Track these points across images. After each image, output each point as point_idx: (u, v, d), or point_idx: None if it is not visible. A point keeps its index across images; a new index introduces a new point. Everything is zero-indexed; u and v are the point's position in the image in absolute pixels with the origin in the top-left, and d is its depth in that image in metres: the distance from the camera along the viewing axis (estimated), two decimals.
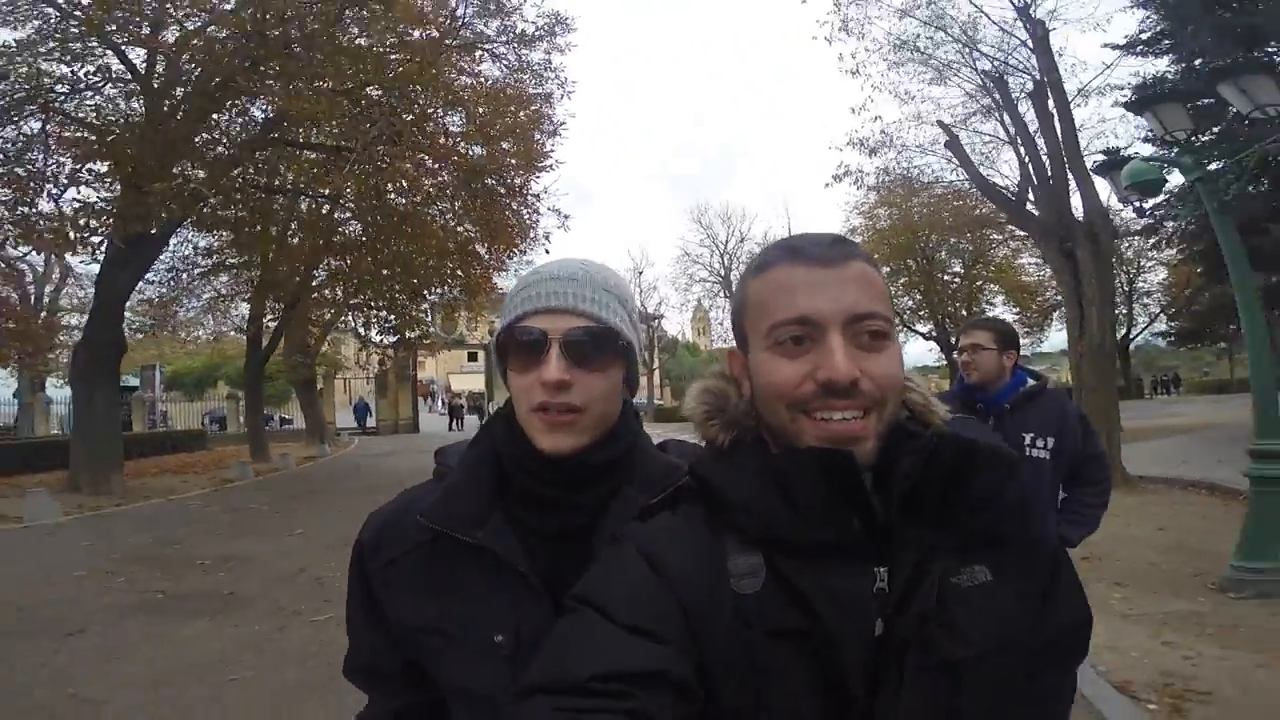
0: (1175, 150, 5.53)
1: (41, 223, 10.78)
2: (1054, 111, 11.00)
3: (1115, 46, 15.07)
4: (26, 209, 10.71)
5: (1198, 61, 13.56)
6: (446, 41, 12.25)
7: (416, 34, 11.80)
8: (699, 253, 38.72)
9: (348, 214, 15.26)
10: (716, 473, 0.73)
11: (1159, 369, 46.42)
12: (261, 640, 4.59)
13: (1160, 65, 15.77)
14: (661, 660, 0.61)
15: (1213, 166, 5.73)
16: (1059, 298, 18.77)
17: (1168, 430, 15.90)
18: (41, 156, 11.03)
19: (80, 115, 11.23)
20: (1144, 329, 34.65)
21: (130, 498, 11.17)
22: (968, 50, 12.94)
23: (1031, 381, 2.60)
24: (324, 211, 15.23)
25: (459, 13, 12.52)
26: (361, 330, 19.32)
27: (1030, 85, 11.65)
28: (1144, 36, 15.55)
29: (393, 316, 16.73)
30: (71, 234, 10.45)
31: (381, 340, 20.02)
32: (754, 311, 0.71)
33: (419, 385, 35.87)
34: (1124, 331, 33.10)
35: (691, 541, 0.70)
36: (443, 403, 40.59)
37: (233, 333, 23.57)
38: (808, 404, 0.66)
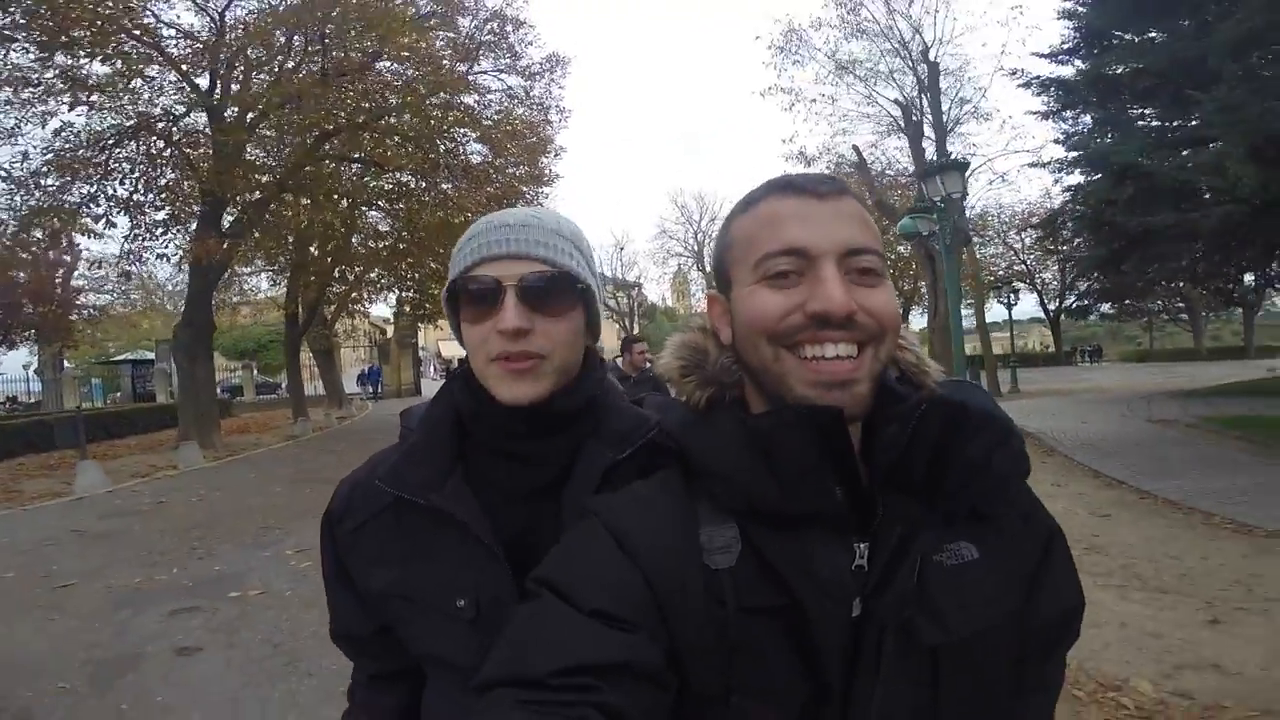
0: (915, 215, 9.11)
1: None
2: (931, 136, 14.36)
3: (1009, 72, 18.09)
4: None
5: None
6: (467, 76, 15.11)
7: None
8: (675, 230, 42.00)
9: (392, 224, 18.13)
10: (692, 437, 0.68)
11: (1087, 340, 51.34)
12: None
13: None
14: (628, 649, 0.58)
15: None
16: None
17: (1057, 393, 19.43)
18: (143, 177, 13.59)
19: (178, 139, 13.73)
20: (1064, 305, 38.67)
21: (233, 450, 13.95)
22: (868, 95, 16.64)
23: None
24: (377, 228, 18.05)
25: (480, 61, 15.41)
26: (383, 306, 22.11)
27: (919, 114, 15.16)
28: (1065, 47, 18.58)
29: (418, 296, 19.57)
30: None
31: (405, 311, 22.88)
32: (739, 247, 0.66)
33: None
34: (1055, 305, 37.31)
35: (663, 514, 0.65)
36: (434, 368, 43.20)
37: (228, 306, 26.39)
38: (795, 337, 0.61)
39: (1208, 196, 9.02)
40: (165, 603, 4.62)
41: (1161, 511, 5.75)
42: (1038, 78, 12.38)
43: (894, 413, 0.63)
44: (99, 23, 9.46)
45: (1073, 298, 22.61)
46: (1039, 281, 37.81)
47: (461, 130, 14.52)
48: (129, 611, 4.46)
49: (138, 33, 11.37)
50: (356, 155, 14.74)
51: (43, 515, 7.96)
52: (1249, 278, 16.58)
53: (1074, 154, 13.66)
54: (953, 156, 18.08)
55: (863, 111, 18.15)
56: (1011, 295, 24.59)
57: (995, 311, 38.05)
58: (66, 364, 29.03)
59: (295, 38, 13.15)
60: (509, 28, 15.69)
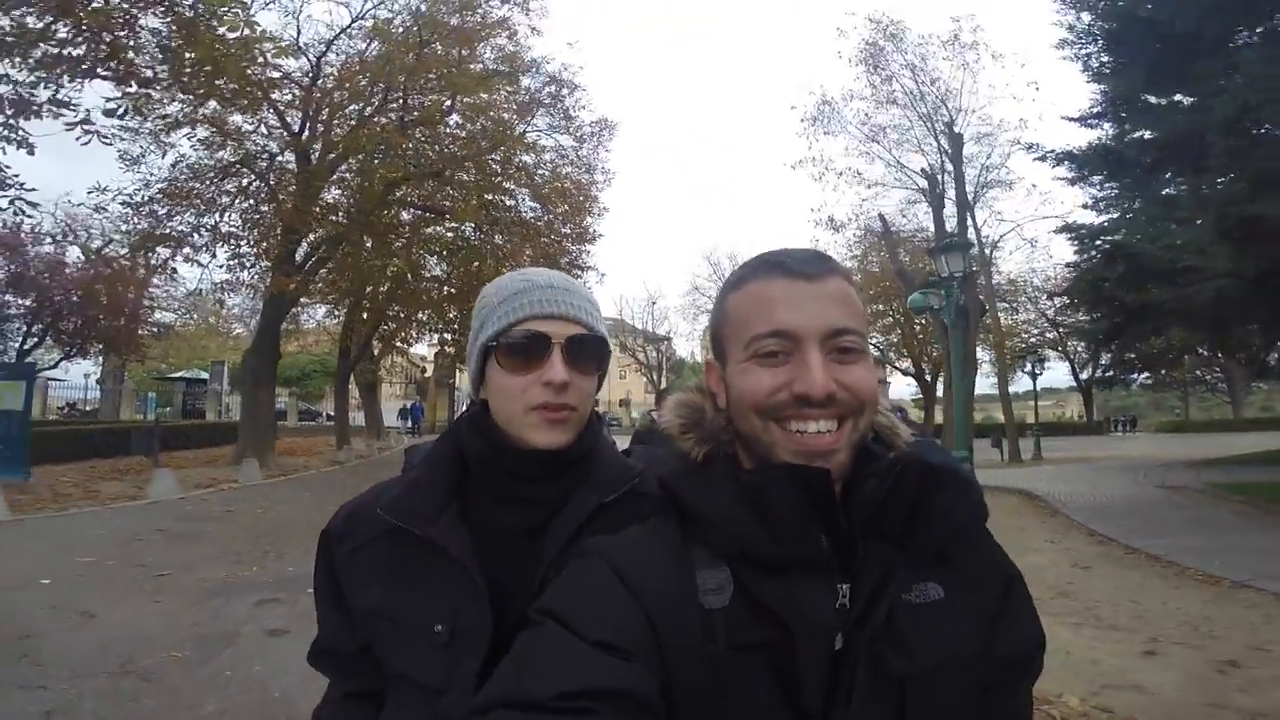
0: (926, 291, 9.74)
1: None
2: (953, 206, 15.08)
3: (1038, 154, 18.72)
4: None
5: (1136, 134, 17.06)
6: (524, 135, 16.54)
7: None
8: (706, 286, 43.01)
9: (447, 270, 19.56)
10: (688, 487, 0.72)
11: (1129, 409, 50.37)
12: None
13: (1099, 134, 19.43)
14: (628, 678, 0.60)
15: None
16: None
17: (1081, 460, 19.47)
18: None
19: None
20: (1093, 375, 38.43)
21: (284, 470, 14.94)
22: (896, 164, 17.54)
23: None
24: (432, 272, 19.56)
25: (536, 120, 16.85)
26: (423, 346, 23.36)
27: (940, 187, 15.97)
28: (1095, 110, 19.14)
29: (461, 339, 20.73)
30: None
31: (445, 353, 24.05)
32: (733, 324, 0.71)
33: None
34: (1087, 375, 36.73)
35: (661, 555, 0.69)
36: (467, 407, 44.35)
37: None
38: (781, 413, 0.66)
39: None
40: (251, 594, 5.36)
41: (1141, 565, 6.22)
42: (1052, 151, 13.06)
43: (871, 470, 0.68)
44: (244, 84, 10.82)
45: (1098, 368, 22.65)
46: (1071, 349, 37.12)
47: (516, 186, 15.74)
48: (221, 600, 5.21)
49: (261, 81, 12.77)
50: (421, 203, 16.06)
51: (125, 515, 8.89)
52: None
53: (1101, 219, 13.87)
54: (980, 224, 18.92)
55: (891, 178, 19.18)
56: (1037, 365, 24.67)
57: (1027, 381, 38.30)
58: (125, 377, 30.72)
59: (377, 86, 14.68)
60: (565, 90, 17.17)
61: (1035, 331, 36.62)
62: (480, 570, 0.81)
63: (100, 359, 27.82)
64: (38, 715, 3.23)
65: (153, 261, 15.52)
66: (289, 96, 14.37)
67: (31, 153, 8.39)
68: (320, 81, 14.85)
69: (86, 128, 8.51)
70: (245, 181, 15.11)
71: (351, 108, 15.08)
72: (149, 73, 8.76)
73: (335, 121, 15.29)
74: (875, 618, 0.66)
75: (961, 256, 8.72)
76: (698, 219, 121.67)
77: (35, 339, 15.11)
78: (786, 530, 0.65)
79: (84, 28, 7.53)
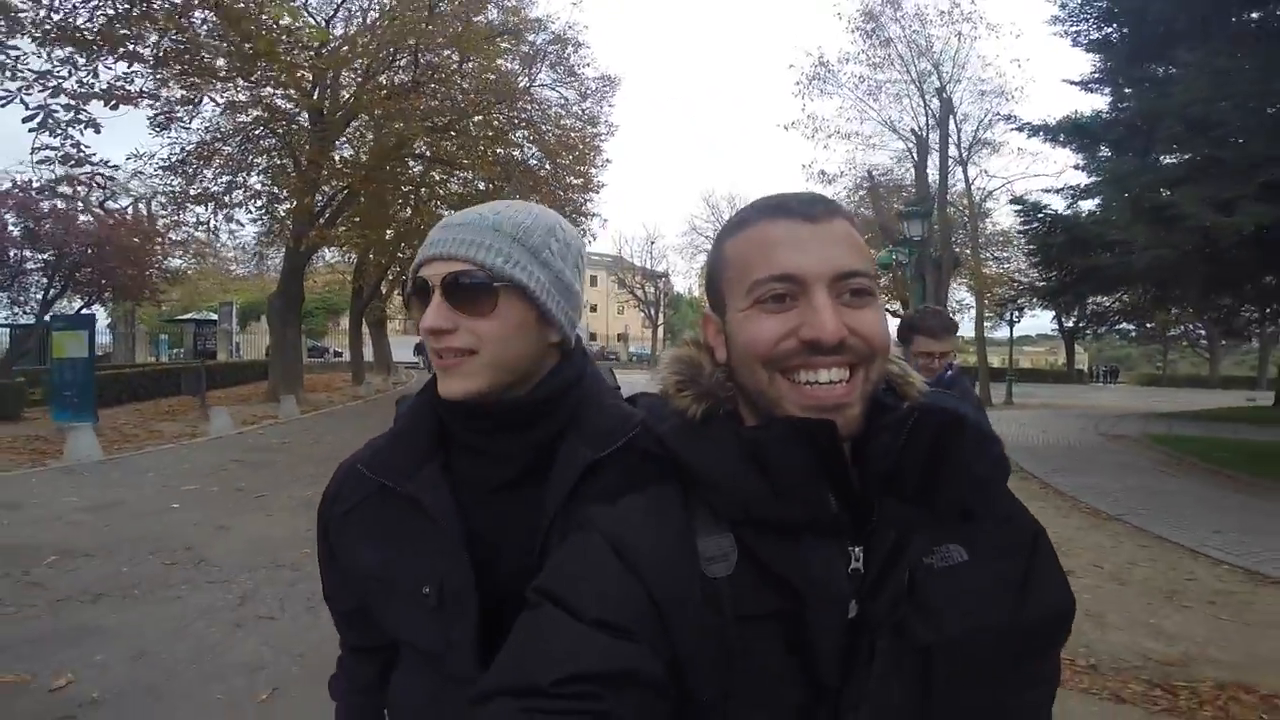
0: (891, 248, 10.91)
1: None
2: (929, 171, 16.20)
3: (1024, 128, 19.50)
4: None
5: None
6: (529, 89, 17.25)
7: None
8: (704, 227, 44.17)
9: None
10: (689, 448, 0.68)
11: (1114, 360, 52.31)
12: None
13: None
14: (631, 658, 0.59)
15: None
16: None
17: (1049, 407, 21.00)
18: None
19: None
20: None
21: (314, 405, 16.29)
22: (889, 126, 18.55)
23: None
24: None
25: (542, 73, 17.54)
26: None
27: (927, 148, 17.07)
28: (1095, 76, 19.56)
29: None
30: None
31: None
32: (733, 270, 0.68)
33: None
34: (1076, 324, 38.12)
35: (661, 525, 0.66)
36: None
37: (274, 273, 28.79)
38: (788, 362, 0.63)
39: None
40: None
41: (1047, 498, 7.64)
42: (1029, 123, 14.03)
43: (885, 422, 0.65)
44: (283, 66, 11.60)
45: (1071, 318, 24.04)
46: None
47: (522, 135, 16.58)
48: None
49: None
50: (431, 155, 16.90)
51: (199, 450, 10.22)
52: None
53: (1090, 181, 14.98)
54: (973, 179, 19.88)
55: (882, 137, 20.01)
56: (1015, 313, 26.01)
57: (1022, 326, 39.37)
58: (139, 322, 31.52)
59: (386, 48, 15.25)
60: (569, 49, 17.78)
61: (1025, 281, 37.74)
62: (458, 526, 0.79)
63: (111, 305, 28.56)
64: (235, 599, 4.32)
65: (175, 218, 16.39)
66: (304, 59, 15.02)
67: (98, 131, 9.28)
68: (330, 45, 15.46)
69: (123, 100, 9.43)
70: (266, 143, 15.91)
71: (358, 63, 15.67)
72: (216, 63, 9.59)
73: (342, 81, 15.99)
74: (892, 583, 0.63)
75: (921, 223, 9.84)
76: (697, 164, 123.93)
77: (55, 289, 16.03)
78: (791, 488, 0.63)
79: (159, 27, 8.34)
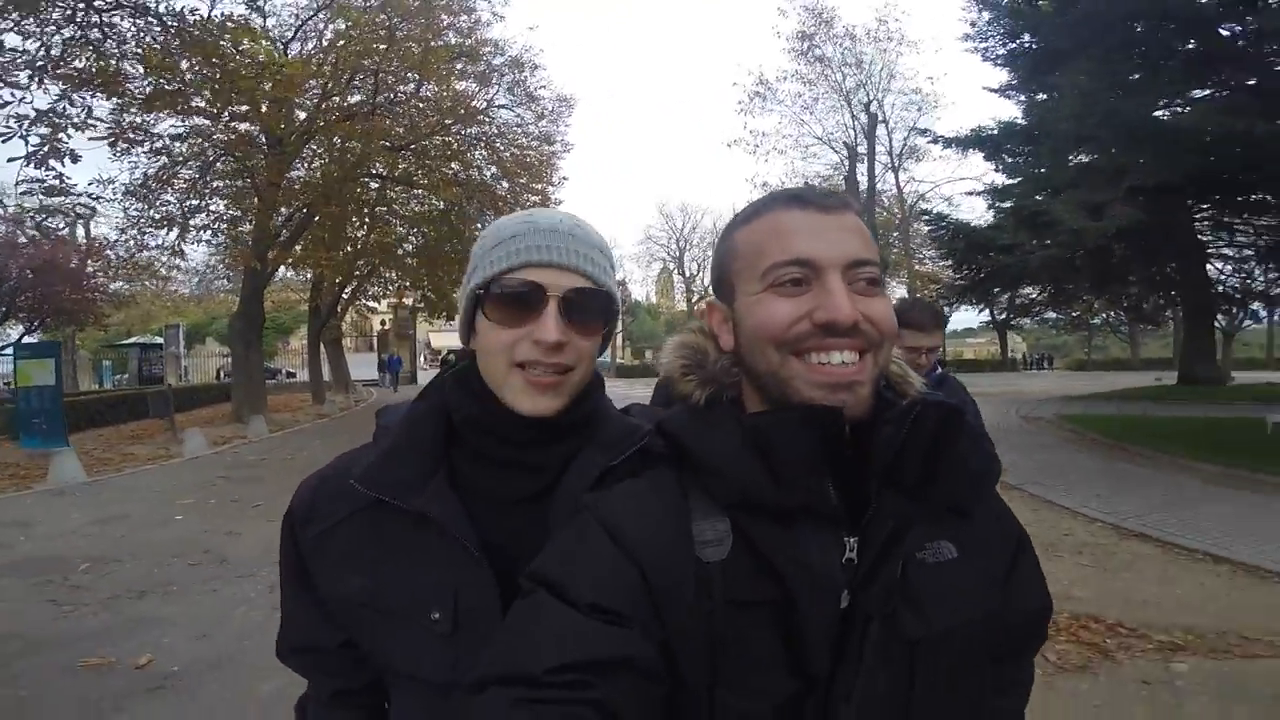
0: None
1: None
2: (860, 179, 17.84)
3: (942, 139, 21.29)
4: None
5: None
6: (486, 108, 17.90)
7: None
8: (659, 235, 46.30)
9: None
10: (689, 431, 0.70)
11: (1051, 348, 55.34)
12: None
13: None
14: (625, 645, 0.59)
15: None
16: None
17: (977, 394, 22.53)
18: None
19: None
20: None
21: (280, 425, 16.53)
22: (824, 140, 20.31)
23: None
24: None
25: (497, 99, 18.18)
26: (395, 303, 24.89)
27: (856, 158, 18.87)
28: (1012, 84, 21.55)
29: (433, 296, 22.28)
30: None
31: (405, 305, 25.68)
32: (746, 256, 0.69)
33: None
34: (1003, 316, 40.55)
35: (656, 509, 0.67)
36: (425, 358, 45.79)
37: (222, 294, 28.52)
38: (801, 344, 0.64)
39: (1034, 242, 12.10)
40: None
41: None
42: (942, 136, 15.63)
43: (888, 415, 0.67)
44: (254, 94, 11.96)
45: (999, 310, 26.03)
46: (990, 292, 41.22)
47: (480, 155, 17.26)
48: None
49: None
50: (388, 174, 17.38)
51: (182, 469, 10.57)
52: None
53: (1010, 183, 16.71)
54: (904, 184, 21.65)
55: (817, 150, 21.64)
56: (946, 307, 27.91)
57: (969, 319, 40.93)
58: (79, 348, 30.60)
59: (344, 72, 15.69)
60: (526, 72, 18.50)
61: (959, 277, 40.30)
62: (478, 543, 0.76)
63: (53, 332, 27.78)
64: (266, 588, 4.76)
65: (138, 241, 16.49)
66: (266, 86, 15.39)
67: (76, 161, 9.68)
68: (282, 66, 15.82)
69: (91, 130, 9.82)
70: (223, 165, 16.16)
71: (314, 83, 16.01)
72: (199, 101, 10.05)
73: (298, 102, 16.29)
74: (884, 575, 0.64)
75: None
76: (651, 177, 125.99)
77: None
78: (791, 474, 0.64)
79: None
